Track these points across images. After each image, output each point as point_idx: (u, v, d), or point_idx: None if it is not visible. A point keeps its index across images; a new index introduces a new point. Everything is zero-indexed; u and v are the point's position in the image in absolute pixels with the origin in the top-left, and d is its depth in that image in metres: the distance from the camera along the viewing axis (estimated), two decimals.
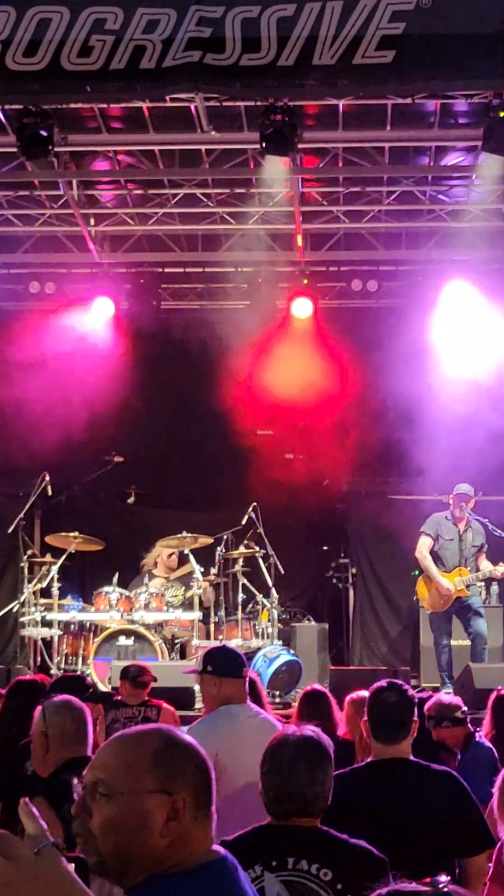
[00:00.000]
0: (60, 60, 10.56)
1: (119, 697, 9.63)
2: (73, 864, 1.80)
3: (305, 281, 16.13)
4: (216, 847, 2.68)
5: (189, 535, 14.64)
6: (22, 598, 14.56)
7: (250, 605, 14.61)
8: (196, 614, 14.17)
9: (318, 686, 9.30)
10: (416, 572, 14.49)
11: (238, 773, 4.56)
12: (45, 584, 14.39)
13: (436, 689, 12.50)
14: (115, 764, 2.59)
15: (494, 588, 15.05)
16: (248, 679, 6.39)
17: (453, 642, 14.15)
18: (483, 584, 14.56)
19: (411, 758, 5.39)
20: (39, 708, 5.18)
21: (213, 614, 14.40)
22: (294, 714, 8.66)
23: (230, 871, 2.65)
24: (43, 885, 1.37)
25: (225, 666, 6.26)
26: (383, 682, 5.59)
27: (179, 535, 14.72)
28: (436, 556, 14.09)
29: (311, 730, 4.47)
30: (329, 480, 16.37)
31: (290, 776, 4.19)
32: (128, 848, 2.50)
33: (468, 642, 13.99)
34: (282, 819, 4.20)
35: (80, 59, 10.56)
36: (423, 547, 14.13)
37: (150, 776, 2.56)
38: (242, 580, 14.50)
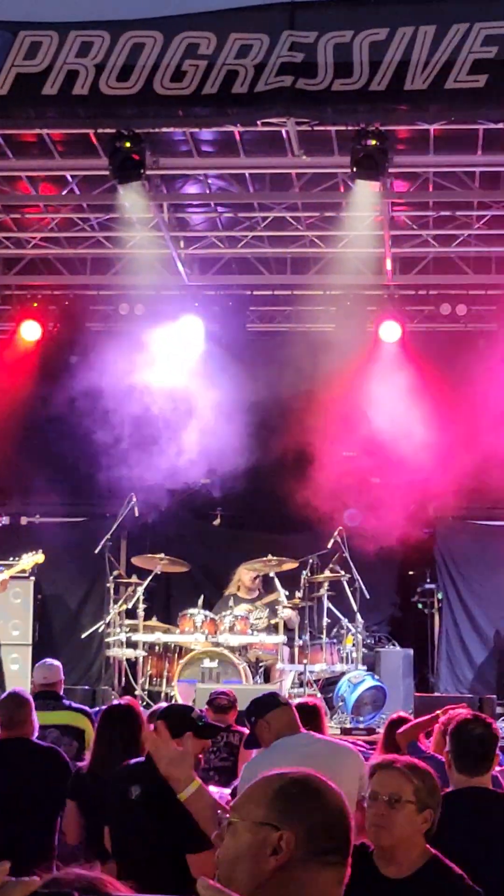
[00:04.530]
0: (153, 85, 10.61)
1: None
2: None
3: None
4: None
5: (273, 558, 14.64)
6: (107, 619, 14.66)
7: (335, 630, 14.56)
8: (281, 638, 14.16)
9: (403, 713, 9.25)
10: None
11: None
12: (130, 605, 14.46)
13: None
14: (244, 797, 2.72)
15: None
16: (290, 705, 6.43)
17: None
18: None
19: (490, 787, 5.42)
20: None
21: (297, 638, 14.37)
22: (379, 742, 8.61)
23: None
24: None
25: (260, 706, 6.41)
26: (468, 714, 5.60)
27: (263, 559, 14.72)
28: None
29: None
30: (415, 505, 16.27)
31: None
32: (233, 873, 2.59)
33: None
34: None
35: (173, 83, 10.60)
36: None
37: (265, 809, 2.63)
38: (327, 604, 14.47)
